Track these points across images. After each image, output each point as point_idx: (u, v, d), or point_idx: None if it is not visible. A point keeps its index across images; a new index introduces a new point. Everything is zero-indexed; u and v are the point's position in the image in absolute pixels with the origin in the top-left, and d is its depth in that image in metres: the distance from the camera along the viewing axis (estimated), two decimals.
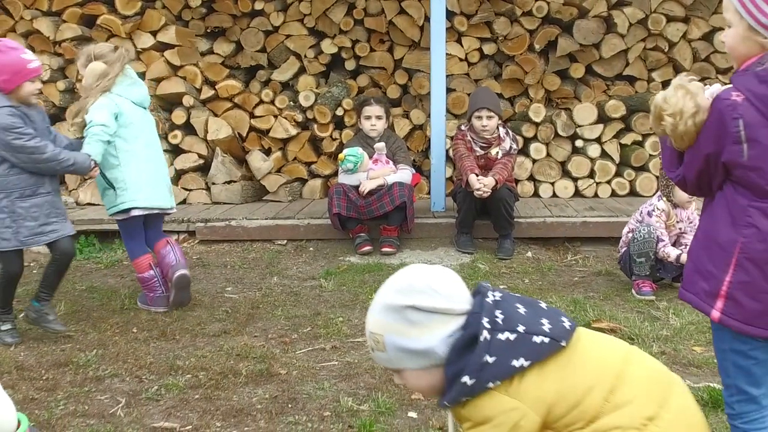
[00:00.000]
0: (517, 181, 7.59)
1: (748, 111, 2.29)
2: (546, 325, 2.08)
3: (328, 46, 8.15)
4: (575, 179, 7.88)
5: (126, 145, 5.06)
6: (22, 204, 4.55)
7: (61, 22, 7.90)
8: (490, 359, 2.02)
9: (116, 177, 5.06)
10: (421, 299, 2.05)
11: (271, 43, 8.14)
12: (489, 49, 8.08)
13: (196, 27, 8.09)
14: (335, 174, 7.76)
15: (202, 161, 7.87)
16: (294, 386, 3.98)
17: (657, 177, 6.34)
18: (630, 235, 5.49)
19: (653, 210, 5.40)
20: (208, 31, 8.17)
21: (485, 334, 2.03)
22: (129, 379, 4.09)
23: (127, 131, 5.06)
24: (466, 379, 2.02)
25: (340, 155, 6.58)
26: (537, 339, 2.05)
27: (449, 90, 7.68)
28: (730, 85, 2.37)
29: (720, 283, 2.39)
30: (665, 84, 7.57)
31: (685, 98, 2.37)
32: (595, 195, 7.83)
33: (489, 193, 6.33)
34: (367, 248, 6.45)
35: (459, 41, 8.03)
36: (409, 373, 2.12)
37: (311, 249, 6.67)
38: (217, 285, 5.78)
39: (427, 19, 7.69)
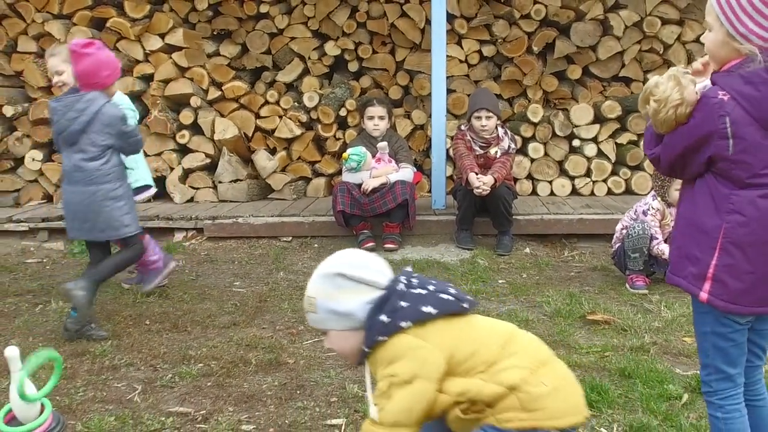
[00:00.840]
0: (515, 180, 7.66)
1: (734, 109, 2.44)
2: (452, 290, 2.45)
3: (332, 48, 8.21)
4: (572, 178, 7.95)
5: None
6: (129, 191, 4.99)
7: (72, 25, 7.95)
8: (404, 304, 2.34)
9: (130, 160, 5.19)
10: (350, 269, 2.40)
11: (276, 45, 8.21)
12: (488, 51, 8.14)
13: (203, 29, 8.16)
14: (339, 173, 7.88)
15: (209, 160, 7.95)
16: (301, 374, 4.11)
17: (651, 176, 6.46)
18: (624, 231, 5.61)
19: (648, 209, 5.52)
20: (215, 33, 8.24)
21: (401, 286, 2.38)
22: (144, 368, 4.22)
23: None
24: (383, 317, 2.33)
25: (344, 154, 6.67)
26: (444, 296, 2.41)
27: (449, 91, 7.74)
28: (715, 85, 2.51)
29: (707, 267, 2.54)
30: None
31: (674, 89, 2.51)
32: (592, 193, 7.90)
33: (488, 191, 6.42)
34: (370, 244, 6.54)
35: (459, 43, 8.10)
36: (334, 333, 2.45)
37: (316, 245, 6.79)
38: (225, 280, 5.91)
39: (428, 21, 7.76)
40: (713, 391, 2.68)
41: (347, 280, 2.38)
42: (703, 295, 2.56)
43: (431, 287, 2.42)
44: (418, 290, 2.39)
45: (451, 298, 2.41)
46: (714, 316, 2.59)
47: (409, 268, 2.53)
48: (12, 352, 3.44)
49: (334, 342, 2.47)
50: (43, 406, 3.51)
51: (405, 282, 2.41)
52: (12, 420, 3.46)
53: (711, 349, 2.64)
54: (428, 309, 2.35)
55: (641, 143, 7.72)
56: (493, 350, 2.35)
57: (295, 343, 4.58)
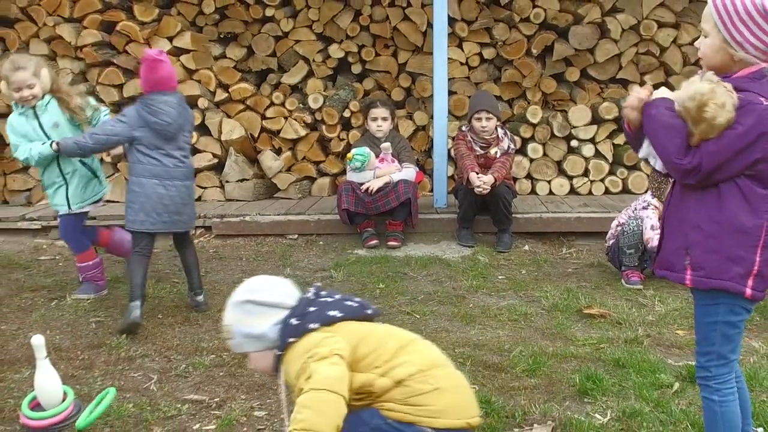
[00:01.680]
0: (515, 179, 7.74)
1: None
2: (357, 299, 2.69)
3: (336, 51, 8.29)
4: (570, 177, 8.02)
5: None
6: None
7: (82, 28, 8.03)
8: (312, 309, 2.56)
9: (97, 167, 5.55)
10: (256, 296, 2.62)
11: (281, 48, 8.29)
12: (488, 53, 8.20)
13: (210, 32, 8.25)
14: (343, 173, 8.01)
15: (216, 160, 8.07)
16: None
17: (649, 177, 6.57)
18: (619, 228, 5.75)
19: (648, 205, 5.65)
20: (221, 36, 8.32)
21: (310, 295, 2.62)
22: (158, 358, 4.39)
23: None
24: (293, 321, 2.53)
25: (349, 154, 6.77)
26: (349, 303, 2.64)
27: (451, 93, 7.82)
28: (748, 91, 2.61)
29: (752, 264, 2.68)
30: (657, 86, 7.87)
31: (727, 95, 2.61)
32: (590, 192, 7.97)
33: (488, 190, 6.52)
34: (373, 242, 6.69)
35: (460, 46, 8.15)
36: (253, 355, 2.67)
37: (321, 243, 6.92)
38: (233, 276, 6.05)
39: (429, 25, 7.81)
40: (712, 376, 2.80)
41: (256, 305, 2.61)
42: (749, 291, 2.69)
43: (337, 296, 2.66)
44: (325, 299, 2.62)
45: (355, 305, 2.65)
46: (728, 307, 2.72)
47: (318, 284, 2.75)
48: (38, 340, 3.65)
49: (255, 362, 2.69)
50: (65, 395, 3.71)
51: (314, 293, 2.65)
52: (36, 406, 3.66)
53: (719, 337, 2.76)
54: (334, 313, 2.57)
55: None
56: (390, 350, 2.54)
57: None
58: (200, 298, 5.29)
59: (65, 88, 5.39)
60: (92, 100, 5.55)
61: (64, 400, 3.68)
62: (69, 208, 5.41)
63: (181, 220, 5.19)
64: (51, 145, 5.14)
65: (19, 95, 5.13)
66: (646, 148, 2.88)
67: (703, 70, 2.74)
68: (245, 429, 3.59)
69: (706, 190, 2.70)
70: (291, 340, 2.52)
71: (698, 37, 2.84)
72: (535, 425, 3.54)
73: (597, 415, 3.62)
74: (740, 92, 2.62)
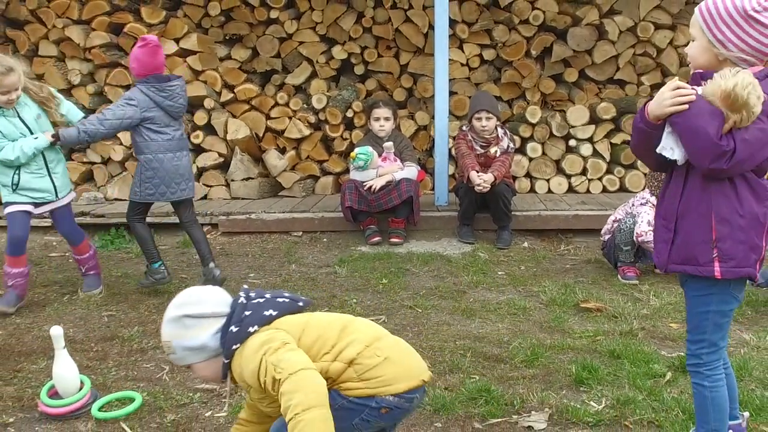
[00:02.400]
0: (514, 178, 7.84)
1: None
2: (286, 294, 2.77)
3: (339, 52, 8.39)
4: (569, 176, 8.13)
5: None
6: None
7: (91, 30, 8.16)
8: (247, 313, 2.64)
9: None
10: (191, 309, 2.67)
11: (285, 49, 8.38)
12: (489, 54, 8.30)
13: (215, 34, 8.36)
14: (346, 171, 8.10)
15: (222, 159, 8.18)
16: None
17: (647, 176, 6.66)
18: (616, 224, 5.86)
19: (646, 202, 5.75)
20: (227, 38, 8.42)
21: (242, 299, 2.69)
22: None
23: None
24: (232, 328, 2.62)
25: (352, 153, 6.86)
26: (280, 299, 2.72)
27: (451, 93, 7.92)
28: None
29: (762, 250, 2.84)
30: (654, 87, 8.02)
31: (760, 88, 2.71)
32: (588, 191, 8.08)
33: (488, 189, 6.63)
34: (376, 239, 6.80)
35: (461, 47, 8.25)
36: (196, 366, 2.73)
37: (325, 240, 7.04)
38: (240, 272, 6.18)
39: (431, 27, 7.92)
40: (703, 363, 2.93)
41: (192, 318, 2.66)
42: (757, 276, 2.87)
43: (268, 295, 2.74)
44: (257, 300, 2.70)
45: (287, 300, 2.74)
46: (719, 297, 2.86)
47: (245, 286, 2.83)
48: (56, 331, 3.80)
49: (199, 372, 2.76)
50: (82, 383, 3.85)
51: (245, 297, 2.72)
52: (54, 395, 3.80)
53: (711, 326, 2.90)
54: (270, 312, 2.66)
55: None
56: (333, 335, 2.65)
57: None
58: (212, 264, 5.64)
59: (29, 82, 5.32)
60: (50, 88, 5.49)
61: (81, 388, 3.82)
62: (56, 196, 5.43)
63: (189, 187, 5.66)
64: (47, 136, 5.20)
65: (7, 98, 5.05)
66: (666, 140, 2.86)
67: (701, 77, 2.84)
68: None
69: (724, 183, 2.78)
70: (235, 347, 2.61)
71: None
72: (533, 412, 3.66)
73: (592, 403, 3.74)
74: None
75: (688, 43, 2.96)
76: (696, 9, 2.87)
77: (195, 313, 2.66)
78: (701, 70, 2.85)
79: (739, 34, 2.76)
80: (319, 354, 2.60)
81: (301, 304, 2.76)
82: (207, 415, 3.70)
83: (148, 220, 6.04)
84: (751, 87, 2.67)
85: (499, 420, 3.60)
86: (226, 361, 2.64)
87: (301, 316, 2.72)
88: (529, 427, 3.54)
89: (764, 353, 4.38)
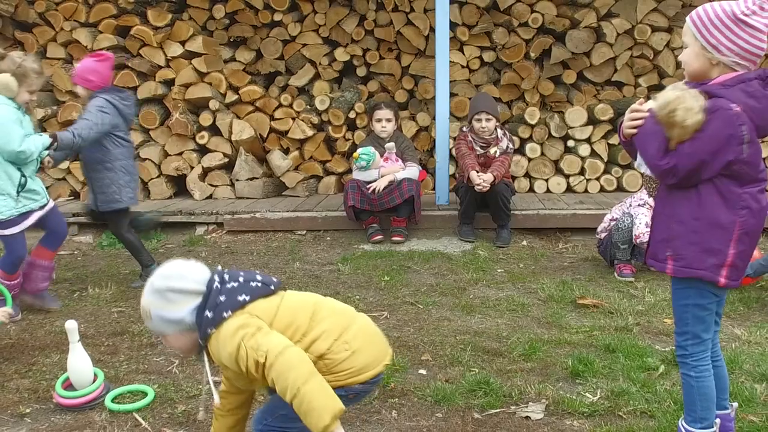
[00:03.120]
0: (513, 178, 7.94)
1: (745, 119, 2.84)
2: (258, 277, 2.84)
3: (341, 54, 8.51)
4: (567, 176, 8.23)
5: None
6: None
7: (98, 33, 8.30)
8: (222, 298, 2.73)
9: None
10: (174, 283, 2.76)
11: (289, 52, 8.51)
12: (488, 57, 8.42)
13: (220, 37, 8.48)
14: (348, 171, 8.22)
15: (226, 160, 8.29)
16: None
17: (643, 178, 6.77)
18: (613, 223, 5.97)
19: (644, 204, 5.86)
20: (231, 40, 8.55)
21: (216, 284, 2.77)
22: None
23: None
24: (207, 313, 2.72)
25: (355, 154, 6.97)
26: (253, 284, 2.80)
27: (452, 94, 8.03)
28: (721, 98, 2.84)
29: (726, 256, 2.92)
30: (651, 89, 8.15)
31: (694, 99, 2.85)
32: (586, 190, 8.18)
33: (488, 188, 6.71)
34: (378, 237, 6.89)
35: (461, 50, 8.37)
36: (170, 336, 2.82)
37: (328, 238, 7.14)
38: (245, 269, 6.27)
39: (432, 29, 8.05)
40: (689, 354, 3.07)
41: (174, 293, 2.75)
42: (722, 281, 2.94)
43: (241, 279, 2.82)
44: (231, 284, 2.78)
45: (259, 284, 2.83)
46: (697, 291, 2.98)
47: (219, 267, 2.91)
48: (71, 325, 3.93)
49: (172, 342, 2.87)
50: (95, 376, 3.98)
51: (219, 280, 2.79)
52: (69, 387, 3.92)
53: (691, 318, 3.03)
54: (243, 297, 2.74)
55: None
56: (304, 321, 2.76)
57: None
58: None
59: None
60: None
61: (94, 381, 3.93)
62: (47, 199, 5.34)
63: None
64: (48, 137, 5.21)
65: (30, 98, 5.13)
66: (639, 158, 3.10)
67: (689, 85, 2.96)
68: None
69: (689, 188, 2.94)
70: (210, 331, 2.72)
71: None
72: (530, 403, 3.78)
73: (587, 394, 3.86)
74: (713, 98, 2.86)
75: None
76: (687, 17, 2.98)
77: (178, 288, 2.75)
78: (686, 81, 2.98)
79: (731, 38, 2.86)
80: (292, 341, 2.71)
81: (272, 287, 2.85)
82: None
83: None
84: (675, 103, 2.82)
85: (498, 410, 3.72)
86: (201, 343, 2.76)
87: (273, 300, 2.81)
88: (527, 417, 3.66)
89: (755, 347, 4.50)
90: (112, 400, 3.87)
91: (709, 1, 3.02)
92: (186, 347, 2.84)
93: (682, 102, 2.83)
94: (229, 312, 2.71)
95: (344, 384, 2.73)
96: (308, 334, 2.73)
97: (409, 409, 3.76)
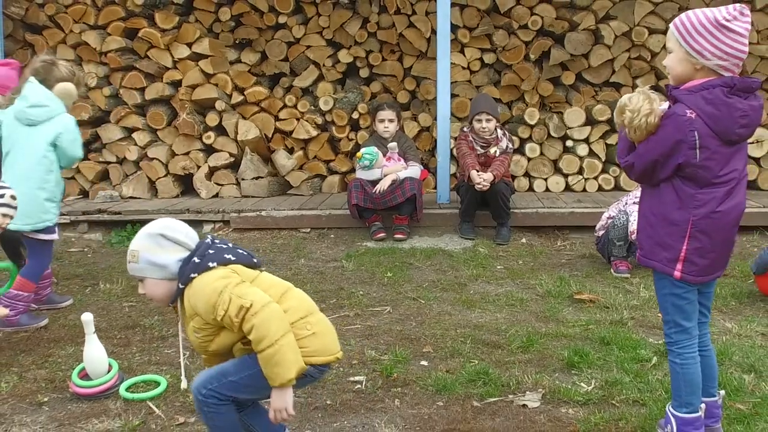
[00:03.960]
0: (513, 177, 8.04)
1: (700, 125, 3.01)
2: (244, 250, 3.07)
3: (344, 56, 8.62)
4: (566, 175, 8.35)
5: None
6: None
7: (107, 35, 8.42)
8: (210, 251, 2.95)
9: None
10: (169, 231, 2.98)
11: (293, 53, 8.61)
12: (489, 58, 8.52)
13: (226, 39, 8.58)
14: (352, 171, 8.36)
15: (232, 159, 8.40)
16: None
17: None
18: (610, 221, 6.11)
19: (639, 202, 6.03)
20: (236, 42, 8.65)
21: (209, 239, 3.02)
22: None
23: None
24: (195, 259, 2.93)
25: (358, 153, 7.09)
26: (240, 251, 3.05)
27: (453, 95, 8.12)
28: (681, 103, 3.03)
29: (678, 251, 3.12)
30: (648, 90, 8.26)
31: (645, 102, 3.05)
32: (584, 189, 8.30)
33: (488, 187, 6.84)
34: (381, 235, 7.01)
35: (462, 51, 8.46)
36: (150, 281, 2.99)
37: (332, 236, 7.28)
38: None
39: (433, 32, 8.15)
40: (673, 342, 3.24)
41: (166, 239, 2.96)
42: (677, 273, 3.14)
43: (230, 245, 3.06)
44: (221, 245, 3.02)
45: (245, 253, 3.06)
46: (670, 282, 3.17)
47: (211, 234, 3.14)
48: (87, 317, 4.09)
49: (149, 288, 3.03)
50: (110, 366, 4.13)
51: (210, 240, 3.03)
52: (85, 376, 4.08)
53: (670, 307, 3.22)
54: (229, 256, 2.98)
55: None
56: (276, 295, 2.95)
57: None
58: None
59: None
60: None
61: (109, 371, 4.08)
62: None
63: None
64: None
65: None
66: None
67: (674, 89, 3.12)
68: None
69: (654, 187, 3.18)
70: (193, 275, 2.91)
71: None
72: (527, 392, 3.94)
73: (582, 384, 4.02)
74: (676, 103, 3.05)
75: None
76: (671, 24, 3.14)
77: (171, 237, 2.96)
78: (671, 85, 3.15)
79: (714, 43, 3.00)
80: None
81: (255, 261, 3.08)
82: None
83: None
84: (625, 105, 3.08)
85: (496, 399, 3.88)
86: (181, 287, 2.94)
87: (252, 271, 3.03)
88: (524, 405, 3.82)
89: (745, 340, 4.67)
90: (127, 389, 4.02)
91: (696, 7, 3.18)
92: (162, 295, 3.02)
93: (630, 104, 3.07)
94: (215, 263, 2.92)
95: None
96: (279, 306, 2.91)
97: (411, 398, 3.91)
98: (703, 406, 3.28)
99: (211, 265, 2.91)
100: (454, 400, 3.88)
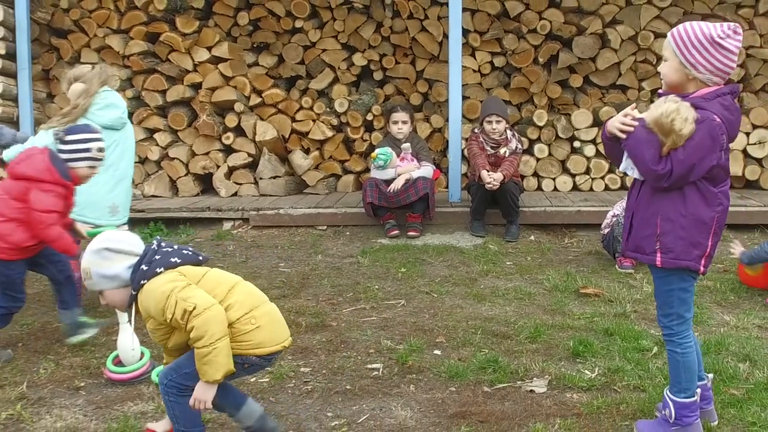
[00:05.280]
0: (522, 177, 8.19)
1: (724, 129, 3.23)
2: (191, 249, 3.32)
3: (359, 59, 8.83)
4: (573, 175, 8.53)
5: None
6: None
7: (129, 39, 8.64)
8: (157, 256, 3.20)
9: None
10: (112, 244, 3.22)
11: (309, 57, 8.83)
12: (499, 61, 8.70)
13: (244, 42, 8.81)
14: (366, 170, 8.56)
15: (251, 159, 8.61)
16: (343, 333, 4.87)
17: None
18: (614, 219, 6.30)
19: None
20: (254, 46, 8.88)
21: (154, 245, 3.27)
22: None
23: None
24: (143, 266, 3.17)
25: (373, 154, 7.28)
26: (185, 251, 3.28)
27: (464, 98, 8.26)
28: (705, 110, 3.20)
29: (706, 248, 3.32)
30: (654, 92, 8.48)
31: (689, 111, 3.20)
32: (591, 189, 8.46)
33: (498, 186, 6.99)
34: (395, 232, 7.18)
35: (473, 55, 8.64)
36: (107, 292, 3.25)
37: (348, 233, 7.46)
38: (271, 262, 6.66)
39: (445, 36, 8.35)
40: (675, 333, 3.44)
41: (111, 252, 3.20)
42: (702, 269, 3.35)
43: (175, 247, 3.30)
44: (166, 249, 3.26)
45: (190, 253, 3.30)
46: (678, 277, 3.36)
47: (158, 237, 3.39)
48: None
49: (108, 298, 3.31)
50: (142, 354, 4.36)
51: (156, 244, 3.27)
52: (118, 363, 4.31)
53: (676, 301, 3.41)
54: (175, 259, 3.22)
55: None
56: (222, 291, 3.20)
57: (335, 310, 5.33)
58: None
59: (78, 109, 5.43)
60: None
61: (141, 358, 4.31)
62: None
63: None
64: None
65: None
66: (625, 162, 3.43)
67: (665, 94, 3.33)
68: (294, 382, 4.22)
69: (673, 190, 3.30)
70: (143, 282, 3.17)
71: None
72: (535, 379, 4.18)
73: (586, 372, 4.26)
74: (698, 110, 3.21)
75: None
76: (669, 34, 3.34)
77: (114, 248, 3.19)
78: (662, 91, 3.37)
79: (707, 58, 3.21)
80: None
81: (201, 258, 3.33)
82: (252, 380, 4.20)
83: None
84: (674, 113, 3.15)
85: (506, 385, 4.12)
86: (133, 293, 3.19)
87: (199, 269, 3.28)
88: (531, 390, 4.05)
89: (741, 332, 4.89)
90: (158, 375, 4.27)
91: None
92: (121, 302, 3.29)
93: (680, 113, 3.19)
94: (162, 269, 3.17)
95: (243, 353, 3.18)
96: (224, 302, 3.16)
97: (425, 384, 4.15)
98: (698, 390, 3.50)
99: (158, 270, 3.17)
100: (466, 386, 4.11)
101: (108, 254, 3.19)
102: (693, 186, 3.27)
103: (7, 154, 5.43)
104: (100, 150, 4.63)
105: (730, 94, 3.27)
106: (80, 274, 3.30)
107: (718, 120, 3.20)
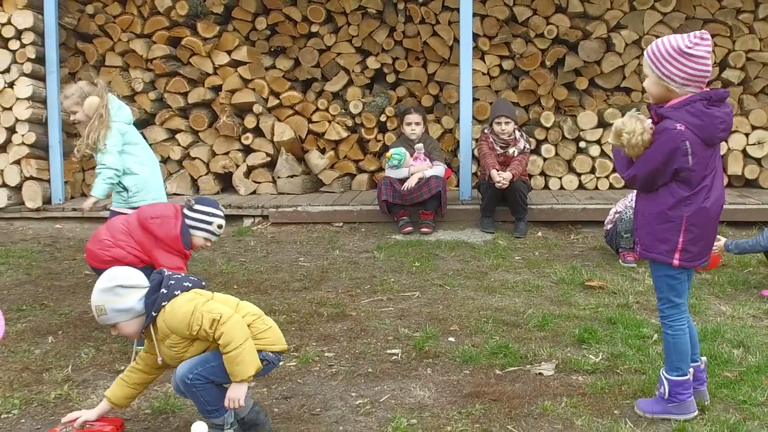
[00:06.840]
0: (530, 176, 8.40)
1: (690, 135, 3.49)
2: (195, 277, 3.63)
3: (372, 63, 9.07)
4: (579, 174, 8.71)
5: (133, 158, 5.61)
6: None
7: (152, 43, 8.89)
8: (172, 281, 3.50)
9: (129, 183, 5.56)
10: (121, 281, 3.46)
11: (324, 60, 9.08)
12: (507, 65, 8.93)
13: (262, 46, 9.07)
14: (380, 170, 8.82)
15: (269, 159, 8.84)
16: (363, 322, 5.15)
17: None
18: (617, 215, 6.56)
19: None
20: (272, 49, 9.13)
21: (167, 272, 3.57)
22: None
23: (132, 147, 5.65)
24: (162, 290, 3.46)
25: (387, 154, 7.52)
26: (192, 278, 3.61)
27: (474, 99, 8.41)
28: (669, 119, 3.49)
29: (676, 243, 3.62)
30: None
31: (637, 123, 3.53)
32: (596, 188, 8.66)
33: (507, 185, 7.22)
34: (408, 229, 7.42)
35: (482, 58, 8.86)
36: (121, 324, 3.49)
37: (363, 230, 7.73)
38: (291, 256, 6.93)
39: (455, 40, 8.56)
40: (666, 316, 3.75)
41: (123, 288, 3.44)
42: (676, 262, 3.63)
43: (181, 275, 3.57)
44: (177, 276, 3.56)
45: (196, 279, 3.62)
46: (665, 266, 3.67)
47: (163, 269, 3.66)
48: None
49: (123, 329, 3.54)
50: None
51: (165, 273, 3.55)
52: None
53: (664, 286, 3.73)
54: (187, 284, 3.53)
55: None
56: (233, 306, 3.55)
57: (354, 301, 5.60)
58: None
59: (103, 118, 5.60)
60: None
61: None
62: None
63: None
64: None
65: (71, 119, 5.81)
66: None
67: (653, 107, 3.62)
68: (319, 366, 4.49)
69: (649, 191, 3.66)
70: (164, 303, 3.46)
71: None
72: (543, 363, 4.47)
73: (591, 356, 4.54)
74: (664, 118, 3.51)
75: None
76: (645, 52, 3.62)
77: (125, 284, 3.44)
78: (650, 104, 3.68)
79: (680, 68, 3.45)
80: None
81: (204, 284, 3.66)
82: (280, 365, 4.35)
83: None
84: (621, 128, 3.54)
85: (516, 368, 4.40)
86: (154, 315, 3.45)
87: (208, 292, 3.62)
88: (540, 373, 4.34)
89: (737, 321, 5.17)
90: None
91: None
92: (134, 331, 3.55)
93: (625, 127, 3.55)
94: (179, 291, 3.49)
95: (262, 348, 3.51)
96: (237, 314, 3.51)
97: (441, 367, 4.44)
98: (691, 370, 3.79)
99: (176, 293, 3.47)
100: (479, 369, 4.39)
101: (121, 291, 3.44)
102: (665, 188, 3.58)
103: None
104: (220, 227, 4.93)
105: (702, 100, 3.49)
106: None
107: (680, 128, 3.45)
